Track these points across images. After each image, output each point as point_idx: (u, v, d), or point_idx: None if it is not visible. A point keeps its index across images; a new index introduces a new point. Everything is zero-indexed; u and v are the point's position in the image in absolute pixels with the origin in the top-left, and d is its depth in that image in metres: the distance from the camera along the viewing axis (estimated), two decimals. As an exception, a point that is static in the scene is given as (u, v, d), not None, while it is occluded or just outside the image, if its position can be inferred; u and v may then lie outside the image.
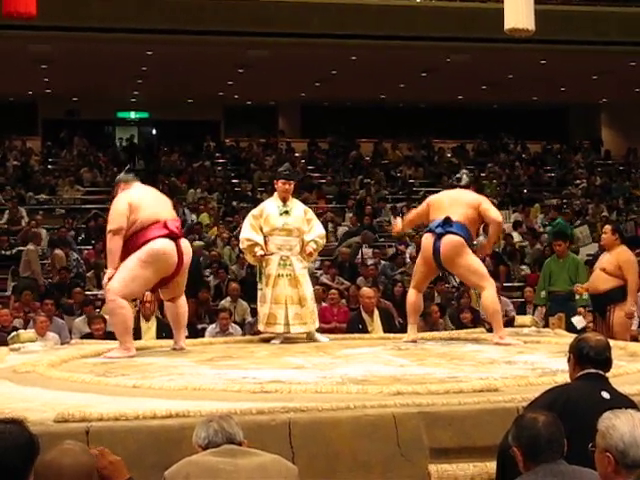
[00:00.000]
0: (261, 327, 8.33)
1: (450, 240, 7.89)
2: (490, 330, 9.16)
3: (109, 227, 7.32)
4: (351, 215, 18.99)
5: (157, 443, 4.64)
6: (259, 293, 8.33)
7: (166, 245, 7.29)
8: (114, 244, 7.25)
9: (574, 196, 22.22)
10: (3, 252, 16.62)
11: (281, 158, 24.02)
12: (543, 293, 10.48)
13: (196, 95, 24.74)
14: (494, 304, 8.01)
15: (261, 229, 8.29)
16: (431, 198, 8.53)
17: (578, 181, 23.74)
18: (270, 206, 8.43)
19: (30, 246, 14.58)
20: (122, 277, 7.21)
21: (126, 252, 7.27)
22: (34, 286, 13.58)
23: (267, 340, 8.27)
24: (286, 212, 8.36)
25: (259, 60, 20.26)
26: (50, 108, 25.41)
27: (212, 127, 26.43)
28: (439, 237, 7.93)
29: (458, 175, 8.63)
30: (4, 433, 3.11)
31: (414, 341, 8.11)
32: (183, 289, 7.74)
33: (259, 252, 8.20)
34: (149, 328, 9.77)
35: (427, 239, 8.08)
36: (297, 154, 24.80)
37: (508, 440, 3.63)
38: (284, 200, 8.41)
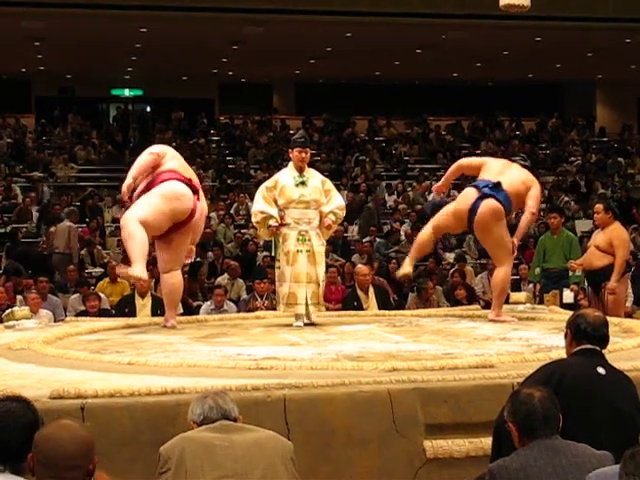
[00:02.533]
0: (281, 308, 7.84)
1: (492, 204, 7.54)
2: (485, 307, 9.18)
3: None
4: (346, 192, 18.97)
5: (152, 419, 4.64)
6: (277, 271, 7.88)
7: (185, 190, 7.33)
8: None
9: (569, 173, 22.22)
10: (-2, 230, 16.61)
11: (276, 135, 24.02)
12: (537, 270, 10.49)
13: (190, 72, 24.67)
14: (504, 283, 7.85)
15: (276, 202, 7.82)
16: (489, 159, 8.21)
17: (573, 158, 23.74)
18: (285, 177, 7.92)
19: (68, 222, 14.72)
20: (140, 205, 7.21)
21: (146, 188, 7.37)
22: (70, 261, 13.85)
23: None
24: (302, 183, 7.86)
25: (254, 37, 20.21)
26: (44, 85, 25.35)
27: (206, 104, 26.36)
28: (482, 197, 7.58)
29: (522, 156, 8.45)
30: (9, 411, 3.11)
31: (406, 275, 8.07)
32: (182, 258, 7.70)
33: (273, 224, 7.74)
34: (144, 305, 9.76)
35: (469, 193, 7.71)
36: (292, 131, 24.74)
37: (504, 416, 3.64)
38: (300, 170, 7.90)
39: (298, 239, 7.73)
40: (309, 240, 7.75)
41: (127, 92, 27.38)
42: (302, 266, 7.69)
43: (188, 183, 7.40)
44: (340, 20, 19.27)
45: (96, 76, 24.29)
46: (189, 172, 7.60)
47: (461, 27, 19.94)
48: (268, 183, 8.00)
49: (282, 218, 7.77)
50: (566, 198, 19.24)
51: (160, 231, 7.32)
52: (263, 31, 19.77)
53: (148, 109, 27.61)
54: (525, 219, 7.90)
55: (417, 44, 21.70)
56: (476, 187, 7.68)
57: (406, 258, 8.21)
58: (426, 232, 8.00)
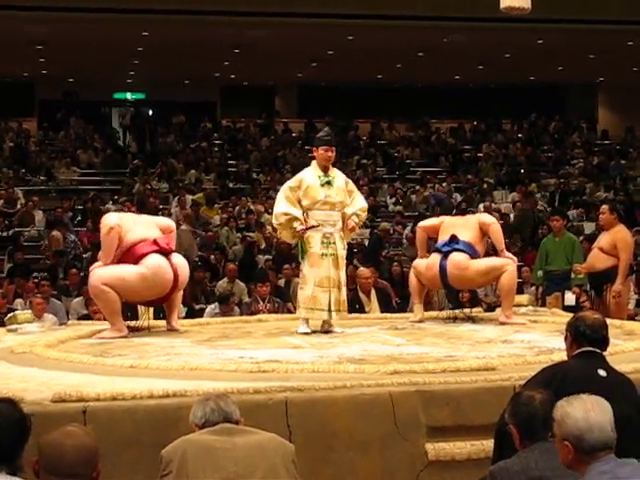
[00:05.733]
0: (302, 313, 7.44)
1: (456, 259, 7.81)
2: (488, 310, 9.19)
3: (103, 260, 7.28)
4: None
5: (154, 422, 4.65)
6: (300, 274, 7.55)
7: (159, 261, 7.20)
8: (111, 239, 7.21)
9: (571, 176, 22.20)
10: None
11: (278, 139, 24.02)
12: (540, 272, 10.47)
13: (192, 76, 24.67)
14: (511, 284, 7.90)
15: (299, 202, 7.43)
16: (446, 218, 8.44)
17: (575, 161, 23.72)
18: (310, 176, 7.49)
19: (184, 227, 15.03)
20: (114, 270, 7.14)
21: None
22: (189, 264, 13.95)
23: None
24: (328, 183, 7.47)
25: (256, 40, 20.20)
26: (46, 89, 25.35)
27: (209, 108, 26.38)
28: (445, 255, 7.85)
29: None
30: None
31: (421, 321, 8.00)
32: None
33: (299, 227, 7.35)
34: (146, 309, 9.73)
35: (433, 258, 7.97)
36: (294, 134, 24.76)
37: (505, 418, 3.64)
38: (325, 170, 7.50)
39: (323, 242, 7.38)
40: (333, 243, 7.41)
41: (129, 96, 27.38)
42: (326, 270, 7.34)
43: (157, 249, 7.24)
44: (342, 23, 19.26)
45: (99, 80, 24.29)
46: (151, 232, 7.41)
47: (462, 30, 19.93)
48: (291, 183, 7.57)
49: (305, 220, 7.43)
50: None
51: (130, 300, 7.41)
52: (265, 34, 19.76)
53: (150, 112, 27.60)
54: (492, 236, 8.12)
55: (419, 47, 21.70)
56: (436, 250, 7.99)
57: (414, 305, 8.35)
58: (413, 278, 8.26)
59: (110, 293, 7.13)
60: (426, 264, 8.03)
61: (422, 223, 8.60)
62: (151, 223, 7.61)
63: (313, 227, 7.39)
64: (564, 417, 3.15)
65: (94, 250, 14.83)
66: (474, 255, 7.88)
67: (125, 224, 7.32)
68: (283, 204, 7.45)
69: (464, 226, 8.07)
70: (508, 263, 7.89)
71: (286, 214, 7.42)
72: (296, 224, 7.38)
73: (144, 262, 7.14)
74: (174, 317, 7.65)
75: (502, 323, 7.74)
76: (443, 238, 8.00)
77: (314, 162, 7.61)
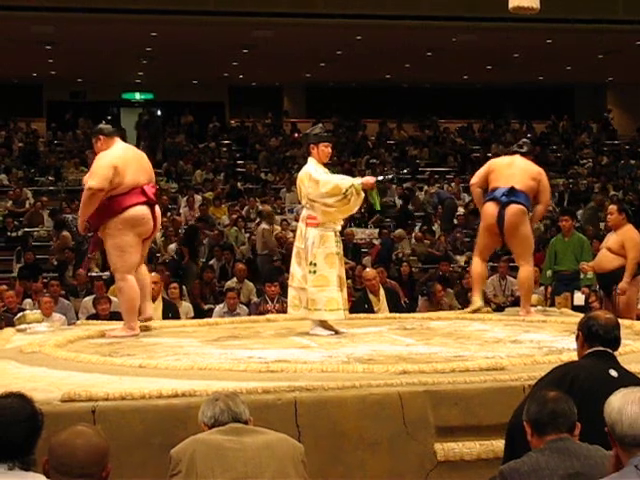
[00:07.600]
0: (325, 315, 7.13)
1: (515, 209, 8.01)
2: (497, 310, 9.21)
3: (91, 183, 7.01)
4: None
5: (163, 422, 4.65)
6: (310, 275, 7.11)
7: (143, 211, 7.18)
8: (92, 202, 7.02)
9: (580, 176, 22.17)
10: (9, 234, 16.62)
11: (286, 139, 24.02)
12: (549, 272, 10.47)
13: (201, 76, 24.70)
14: (531, 280, 8.31)
15: None
16: (493, 162, 8.56)
17: (584, 161, 23.68)
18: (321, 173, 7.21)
19: (265, 225, 15.20)
20: (117, 255, 7.14)
21: (101, 212, 7.11)
22: (272, 261, 14.19)
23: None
24: None
25: (264, 41, 20.23)
26: (55, 90, 25.40)
27: (217, 108, 26.40)
28: (504, 206, 8.03)
29: (520, 143, 8.58)
30: (6, 407, 3.12)
31: (478, 309, 8.22)
32: (144, 257, 7.62)
33: (368, 178, 7.26)
34: (155, 309, 9.72)
35: (490, 207, 8.12)
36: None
37: (517, 418, 3.63)
38: (324, 167, 7.27)
39: (336, 241, 7.16)
40: (340, 242, 7.31)
41: (138, 96, 27.41)
42: (339, 269, 7.16)
43: (145, 200, 7.19)
44: (350, 23, 19.28)
45: (107, 80, 24.35)
46: (144, 177, 7.25)
47: (471, 30, 19.93)
48: (321, 171, 7.18)
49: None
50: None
51: (140, 251, 7.29)
52: (273, 35, 19.79)
53: (159, 113, 27.62)
54: (541, 210, 8.44)
55: (427, 47, 21.70)
56: (493, 200, 8.13)
57: (473, 296, 8.49)
58: (476, 263, 8.46)
59: (134, 288, 7.17)
60: (485, 212, 8.19)
61: (473, 180, 8.60)
62: (146, 166, 7.39)
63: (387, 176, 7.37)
64: (607, 403, 3.17)
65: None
66: (529, 207, 8.15)
67: (124, 165, 7.13)
68: (337, 175, 7.32)
69: (518, 173, 8.17)
70: (532, 259, 8.32)
71: (344, 178, 7.20)
72: (359, 178, 7.28)
73: (125, 214, 7.10)
74: (148, 305, 7.49)
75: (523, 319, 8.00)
76: (498, 185, 8.11)
77: (312, 159, 7.27)
